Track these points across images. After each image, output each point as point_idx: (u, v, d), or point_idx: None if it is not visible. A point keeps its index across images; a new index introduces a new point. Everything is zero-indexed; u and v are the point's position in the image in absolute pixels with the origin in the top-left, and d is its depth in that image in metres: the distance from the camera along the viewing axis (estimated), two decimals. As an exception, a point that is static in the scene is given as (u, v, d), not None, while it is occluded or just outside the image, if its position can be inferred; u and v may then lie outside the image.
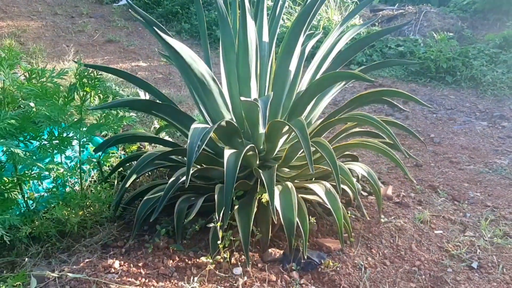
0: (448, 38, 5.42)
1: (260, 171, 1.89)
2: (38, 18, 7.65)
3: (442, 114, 4.55)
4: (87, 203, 2.31)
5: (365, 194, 2.50)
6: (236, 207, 1.95)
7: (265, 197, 1.90)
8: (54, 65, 5.69)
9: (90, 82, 2.11)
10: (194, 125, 1.77)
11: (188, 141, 1.69)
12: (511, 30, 5.45)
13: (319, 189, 1.98)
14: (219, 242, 1.80)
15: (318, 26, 6.13)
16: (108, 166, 2.63)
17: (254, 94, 2.09)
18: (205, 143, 1.71)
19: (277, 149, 2.16)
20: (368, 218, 2.23)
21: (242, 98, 1.79)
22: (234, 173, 1.73)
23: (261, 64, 2.10)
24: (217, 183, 2.03)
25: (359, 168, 2.17)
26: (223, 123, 1.88)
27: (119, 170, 2.46)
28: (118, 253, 2.00)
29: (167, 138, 2.93)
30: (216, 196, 1.84)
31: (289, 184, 1.99)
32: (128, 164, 2.40)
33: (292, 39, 1.91)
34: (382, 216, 2.23)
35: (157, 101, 2.16)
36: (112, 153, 2.65)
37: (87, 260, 1.91)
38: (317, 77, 2.29)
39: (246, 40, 1.90)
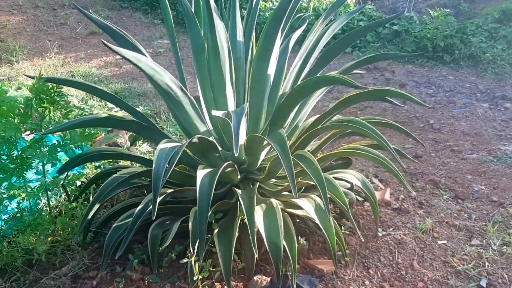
0: (445, 15, 5.14)
1: (239, 192, 1.68)
2: (18, 12, 7.38)
3: (441, 97, 4.32)
4: (57, 228, 2.11)
5: (360, 199, 2.29)
6: (215, 231, 1.75)
7: (248, 217, 1.69)
8: (35, 62, 5.45)
9: (48, 97, 1.88)
10: (160, 146, 1.56)
11: (154, 166, 1.48)
12: (510, 3, 5.17)
13: (308, 205, 1.77)
14: (195, 277, 1.60)
15: (308, 7, 5.85)
16: (86, 177, 2.42)
17: (231, 101, 1.87)
18: (173, 166, 1.49)
19: (260, 160, 1.94)
20: (364, 233, 2.02)
21: (213, 113, 1.56)
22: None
23: (236, 67, 1.87)
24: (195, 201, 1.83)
25: (352, 177, 1.96)
26: (195, 140, 1.66)
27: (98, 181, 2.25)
28: (88, 287, 1.80)
29: (145, 147, 2.71)
30: (190, 224, 1.63)
31: (274, 202, 1.78)
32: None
33: (267, 40, 1.67)
34: (380, 229, 2.02)
35: (120, 115, 1.93)
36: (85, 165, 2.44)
37: (52, 300, 1.71)
38: (303, 74, 2.06)
39: (216, 44, 1.66)
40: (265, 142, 1.69)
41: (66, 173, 1.95)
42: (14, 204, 2.18)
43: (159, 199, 1.52)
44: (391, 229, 2.05)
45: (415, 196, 2.52)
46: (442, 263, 1.86)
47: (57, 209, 2.28)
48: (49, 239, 2.08)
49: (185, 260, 1.57)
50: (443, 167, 3.05)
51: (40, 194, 2.06)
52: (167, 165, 1.50)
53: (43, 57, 5.61)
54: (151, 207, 1.64)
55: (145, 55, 1.99)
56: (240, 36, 1.85)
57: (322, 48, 2.02)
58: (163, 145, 1.56)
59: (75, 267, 1.94)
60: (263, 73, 1.75)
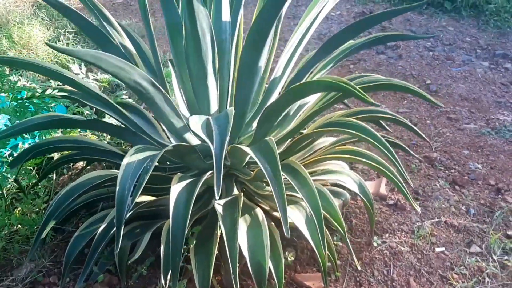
0: (450, -45, 4.70)
1: (220, 212, 1.44)
2: None
3: (440, 52, 4.02)
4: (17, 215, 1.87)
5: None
6: (191, 245, 1.54)
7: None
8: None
9: (-9, 79, 1.56)
10: (126, 159, 1.29)
11: (117, 188, 1.22)
12: None
13: (298, 216, 1.55)
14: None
15: None
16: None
17: (213, 92, 1.58)
18: (142, 187, 1.24)
19: (245, 161, 1.69)
20: (356, 239, 1.83)
21: (192, 126, 1.28)
22: (184, 226, 1.29)
23: (221, 52, 1.56)
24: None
25: (349, 179, 1.73)
26: (170, 148, 1.40)
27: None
28: (47, 299, 1.61)
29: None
30: (162, 247, 1.40)
31: (260, 213, 1.56)
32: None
33: (261, 29, 1.35)
34: (375, 237, 1.83)
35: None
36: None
37: (3, 322, 1.51)
38: (296, 55, 1.77)
39: (196, 33, 1.35)
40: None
41: (20, 166, 1.67)
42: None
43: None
44: (387, 234, 1.86)
45: (410, 180, 2.33)
46: (440, 279, 1.70)
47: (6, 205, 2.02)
48: (4, 232, 1.85)
49: (156, 294, 1.37)
50: (438, 138, 2.86)
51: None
52: (135, 183, 1.25)
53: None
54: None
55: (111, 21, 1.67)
56: (226, 16, 1.53)
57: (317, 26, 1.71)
58: (129, 158, 1.30)
59: (34, 269, 1.73)
60: (253, 66, 1.46)
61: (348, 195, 1.85)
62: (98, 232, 1.44)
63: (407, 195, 1.58)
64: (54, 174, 2.15)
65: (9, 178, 1.72)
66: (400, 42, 4.15)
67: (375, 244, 1.80)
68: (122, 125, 1.60)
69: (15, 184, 2.00)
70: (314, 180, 1.69)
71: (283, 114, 1.59)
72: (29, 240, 1.86)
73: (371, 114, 1.73)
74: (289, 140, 1.70)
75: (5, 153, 2.03)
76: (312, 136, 1.56)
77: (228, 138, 1.20)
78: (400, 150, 2.74)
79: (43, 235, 1.49)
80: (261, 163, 1.29)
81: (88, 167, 2.23)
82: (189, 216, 1.29)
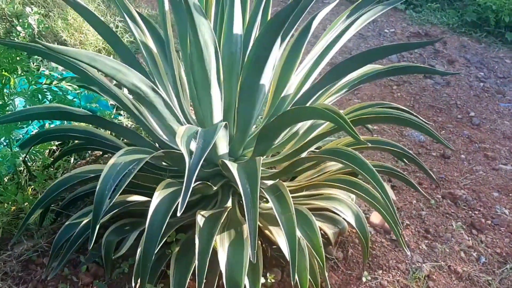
0: (520, -16, 4.45)
1: (200, 223, 1.43)
2: None
3: (491, 84, 3.82)
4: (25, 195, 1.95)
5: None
6: (174, 251, 1.55)
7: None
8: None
9: (9, 63, 1.63)
10: (113, 159, 1.31)
11: (98, 187, 1.25)
12: None
13: (284, 240, 1.53)
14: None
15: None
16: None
17: (217, 101, 1.57)
18: (122, 189, 1.26)
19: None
20: (348, 271, 1.77)
21: (178, 133, 1.28)
22: (158, 234, 1.30)
23: (229, 64, 1.55)
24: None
25: (346, 209, 1.67)
26: (160, 153, 1.41)
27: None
28: (35, 280, 1.67)
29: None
30: (139, 250, 1.42)
31: (246, 230, 1.54)
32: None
33: (262, 49, 1.34)
34: (366, 272, 1.77)
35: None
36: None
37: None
38: (310, 80, 1.74)
39: (198, 41, 1.34)
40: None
41: (29, 148, 1.74)
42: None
43: (109, 214, 1.32)
44: (380, 271, 1.79)
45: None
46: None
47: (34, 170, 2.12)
48: (12, 208, 1.94)
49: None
50: (470, 175, 2.72)
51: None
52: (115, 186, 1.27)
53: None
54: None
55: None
56: (237, 29, 1.51)
57: (338, 49, 1.67)
58: (117, 158, 1.32)
59: (30, 249, 1.80)
60: (254, 84, 1.44)
61: (346, 224, 1.80)
62: (80, 226, 1.48)
63: (398, 234, 1.51)
64: (72, 158, 2.23)
65: (21, 157, 1.79)
66: (451, 68, 3.98)
67: (364, 280, 1.73)
68: (123, 124, 1.63)
69: (33, 163, 2.10)
70: (310, 204, 1.67)
71: (282, 134, 1.57)
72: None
73: (378, 146, 1.68)
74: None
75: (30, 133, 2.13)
76: (304, 162, 1.52)
77: (206, 153, 1.19)
78: (424, 182, 2.64)
79: (30, 220, 1.55)
80: (241, 183, 1.28)
81: (105, 155, 2.30)
82: (165, 225, 1.30)
